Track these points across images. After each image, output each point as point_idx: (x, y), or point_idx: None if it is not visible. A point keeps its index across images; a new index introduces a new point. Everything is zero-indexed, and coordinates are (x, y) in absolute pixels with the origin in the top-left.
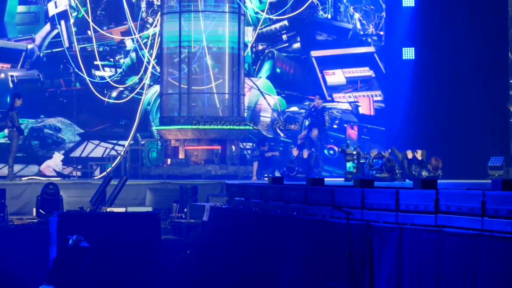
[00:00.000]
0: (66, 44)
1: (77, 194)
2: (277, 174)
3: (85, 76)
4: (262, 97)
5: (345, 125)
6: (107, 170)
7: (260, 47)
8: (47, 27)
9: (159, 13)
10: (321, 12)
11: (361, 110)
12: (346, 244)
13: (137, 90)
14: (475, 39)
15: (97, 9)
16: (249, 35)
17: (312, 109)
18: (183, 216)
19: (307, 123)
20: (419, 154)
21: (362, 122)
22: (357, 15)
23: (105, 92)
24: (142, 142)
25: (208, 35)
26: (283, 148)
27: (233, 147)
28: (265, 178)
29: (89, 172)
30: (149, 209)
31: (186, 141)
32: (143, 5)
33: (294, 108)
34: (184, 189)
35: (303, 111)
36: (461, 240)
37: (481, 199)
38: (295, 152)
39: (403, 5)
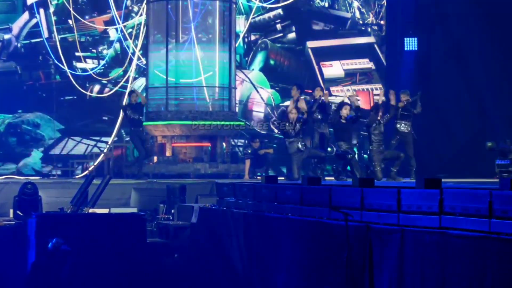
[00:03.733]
0: (46, 34)
1: (57, 194)
2: (271, 172)
3: (66, 69)
4: (255, 90)
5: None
6: (90, 169)
7: (252, 37)
8: (25, 16)
9: (145, 1)
10: (317, 0)
11: (361, 105)
12: (345, 247)
13: (121, 83)
14: (482, 28)
15: None
16: (241, 25)
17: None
18: (171, 218)
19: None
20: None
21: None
22: (356, 3)
23: (87, 85)
24: (127, 139)
25: (197, 24)
26: (277, 145)
27: (223, 144)
28: (258, 177)
29: (70, 171)
30: (134, 210)
31: (174, 137)
32: None
33: (289, 103)
34: (172, 189)
35: None
36: (466, 243)
37: (488, 199)
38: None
39: None
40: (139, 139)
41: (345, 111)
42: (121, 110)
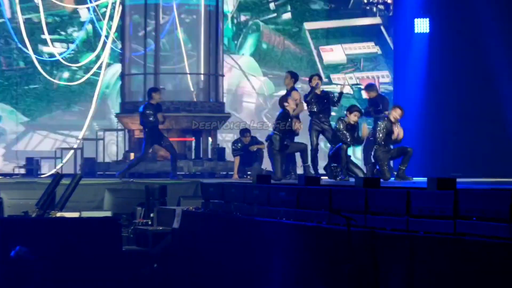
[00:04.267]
0: (8, 14)
1: (20, 196)
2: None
3: (31, 53)
4: (245, 78)
5: None
6: (57, 167)
7: (242, 18)
8: None
9: None
10: None
11: (365, 95)
12: (347, 256)
13: (94, 70)
14: (503, 7)
15: None
16: (230, 4)
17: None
18: (149, 223)
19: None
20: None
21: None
22: None
23: (55, 72)
24: (100, 133)
25: (180, 3)
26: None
27: (209, 139)
28: (249, 177)
29: (35, 169)
30: (108, 214)
31: None
32: None
33: (284, 92)
34: (151, 189)
35: None
36: (485, 251)
37: (509, 201)
38: None
39: None
40: (153, 141)
41: (354, 118)
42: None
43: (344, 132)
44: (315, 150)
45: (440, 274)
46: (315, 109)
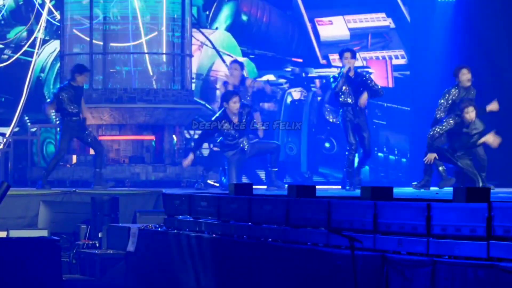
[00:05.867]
0: None
1: None
2: (244, 179)
3: None
4: (220, 59)
5: None
6: None
7: None
8: None
9: None
10: None
11: (374, 80)
12: (350, 286)
13: (25, 48)
14: None
15: None
16: None
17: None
18: (97, 245)
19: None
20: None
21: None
22: None
23: None
24: (33, 130)
25: None
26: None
27: (174, 137)
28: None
29: None
30: (44, 233)
31: (102, 127)
32: None
33: (269, 77)
34: (98, 202)
35: (283, 80)
36: None
37: None
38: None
39: None
40: (71, 134)
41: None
42: (53, 95)
43: None
44: (354, 151)
45: None
46: (348, 99)
